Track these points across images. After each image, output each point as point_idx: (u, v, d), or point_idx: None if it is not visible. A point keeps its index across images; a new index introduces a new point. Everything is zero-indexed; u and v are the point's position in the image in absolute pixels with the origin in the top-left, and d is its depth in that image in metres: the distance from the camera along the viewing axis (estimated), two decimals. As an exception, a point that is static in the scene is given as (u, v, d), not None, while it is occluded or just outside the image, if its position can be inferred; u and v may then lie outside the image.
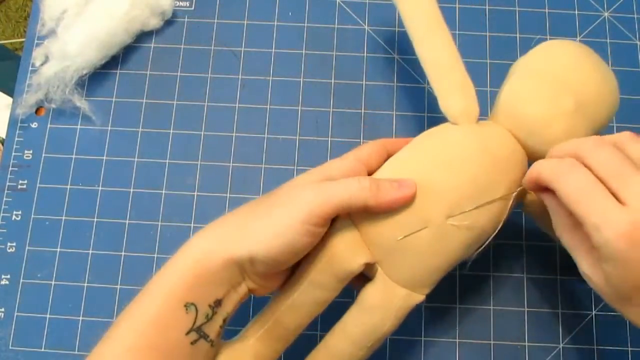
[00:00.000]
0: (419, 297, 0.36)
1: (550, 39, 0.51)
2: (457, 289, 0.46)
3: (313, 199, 0.34)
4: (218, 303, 0.34)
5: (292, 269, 0.37)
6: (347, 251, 0.35)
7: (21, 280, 0.46)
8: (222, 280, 0.34)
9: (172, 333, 0.33)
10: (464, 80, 0.39)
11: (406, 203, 0.35)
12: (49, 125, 0.50)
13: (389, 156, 0.38)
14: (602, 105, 0.38)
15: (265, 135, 0.49)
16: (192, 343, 0.33)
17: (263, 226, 0.34)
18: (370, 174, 0.38)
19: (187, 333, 0.33)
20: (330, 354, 0.37)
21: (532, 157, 0.38)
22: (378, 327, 0.36)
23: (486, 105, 0.49)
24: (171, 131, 0.50)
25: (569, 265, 0.46)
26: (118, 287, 0.46)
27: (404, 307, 0.36)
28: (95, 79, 0.51)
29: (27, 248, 0.47)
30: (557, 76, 0.37)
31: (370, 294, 0.36)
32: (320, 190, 0.34)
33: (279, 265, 0.34)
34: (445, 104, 0.38)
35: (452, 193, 0.35)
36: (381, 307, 0.36)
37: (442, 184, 0.35)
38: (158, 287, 0.34)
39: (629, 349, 0.44)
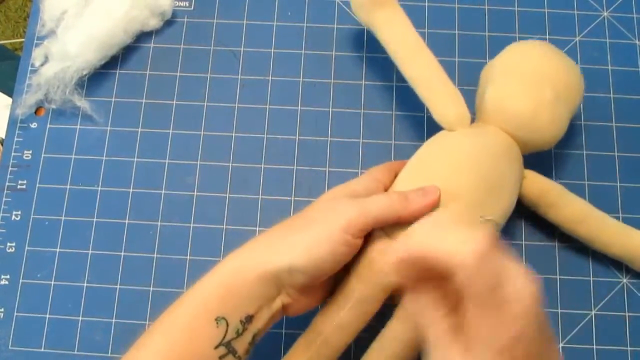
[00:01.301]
0: None
1: (550, 39, 0.51)
2: (457, 288, 0.46)
3: (352, 212, 0.35)
4: (249, 319, 0.34)
5: (327, 288, 0.38)
6: (389, 263, 0.36)
7: (21, 280, 0.46)
8: (255, 296, 0.34)
9: (201, 346, 0.33)
10: (452, 90, 0.42)
11: (434, 207, 0.37)
12: (48, 125, 0.50)
13: (395, 174, 0.41)
14: (574, 90, 0.42)
15: (265, 135, 0.49)
16: (220, 358, 0.33)
17: (303, 237, 0.35)
18: (385, 188, 0.40)
19: (216, 347, 0.33)
20: None
21: (523, 149, 0.42)
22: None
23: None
24: (171, 131, 0.50)
25: (569, 265, 0.46)
26: (118, 287, 0.46)
27: None
28: (95, 79, 0.51)
29: (26, 248, 0.47)
30: (533, 72, 0.41)
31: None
32: (357, 204, 0.36)
33: (318, 275, 0.35)
34: (441, 114, 0.42)
35: (471, 192, 0.38)
36: None
37: (459, 186, 0.38)
38: (191, 299, 0.34)
39: (629, 349, 0.44)
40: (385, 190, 0.40)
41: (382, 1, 0.43)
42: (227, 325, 0.33)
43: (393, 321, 0.37)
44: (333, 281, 0.39)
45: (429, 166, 0.40)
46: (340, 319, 0.36)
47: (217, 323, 0.33)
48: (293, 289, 0.35)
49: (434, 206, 0.37)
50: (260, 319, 0.35)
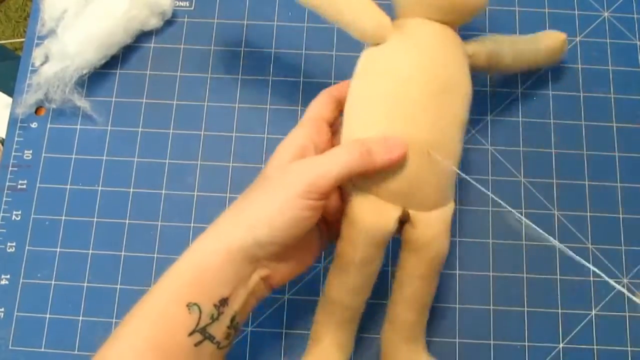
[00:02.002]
0: (451, 207, 0.38)
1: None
2: (457, 289, 0.46)
3: (309, 176, 0.34)
4: (224, 302, 0.33)
5: (311, 248, 0.38)
6: (378, 218, 0.36)
7: (21, 280, 0.46)
8: (226, 277, 0.33)
9: (174, 334, 0.32)
10: (362, 2, 0.38)
11: (401, 160, 0.35)
12: (48, 125, 0.50)
13: (338, 102, 0.39)
14: None
15: (265, 135, 0.49)
16: (195, 345, 0.32)
17: (261, 208, 0.34)
18: (330, 123, 0.39)
19: (190, 334, 0.32)
20: (410, 300, 0.38)
21: (455, 24, 0.39)
22: (438, 254, 0.38)
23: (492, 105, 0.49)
24: (171, 131, 0.50)
25: (569, 265, 0.46)
26: (118, 287, 0.46)
27: (447, 223, 0.38)
28: (95, 78, 0.51)
29: (27, 248, 0.47)
30: None
31: (417, 235, 0.37)
32: (314, 166, 0.35)
33: (286, 240, 0.34)
34: (360, 31, 0.38)
35: (427, 102, 0.36)
36: (432, 238, 0.37)
37: (414, 102, 0.36)
38: (161, 289, 0.34)
39: (629, 349, 0.44)
40: (330, 122, 0.39)
41: None
42: (200, 311, 0.32)
43: (405, 253, 0.38)
44: (318, 239, 0.38)
45: (374, 96, 0.37)
46: (353, 284, 0.37)
47: (189, 310, 0.32)
48: (267, 260, 0.35)
49: (401, 158, 0.35)
50: (237, 299, 0.34)
